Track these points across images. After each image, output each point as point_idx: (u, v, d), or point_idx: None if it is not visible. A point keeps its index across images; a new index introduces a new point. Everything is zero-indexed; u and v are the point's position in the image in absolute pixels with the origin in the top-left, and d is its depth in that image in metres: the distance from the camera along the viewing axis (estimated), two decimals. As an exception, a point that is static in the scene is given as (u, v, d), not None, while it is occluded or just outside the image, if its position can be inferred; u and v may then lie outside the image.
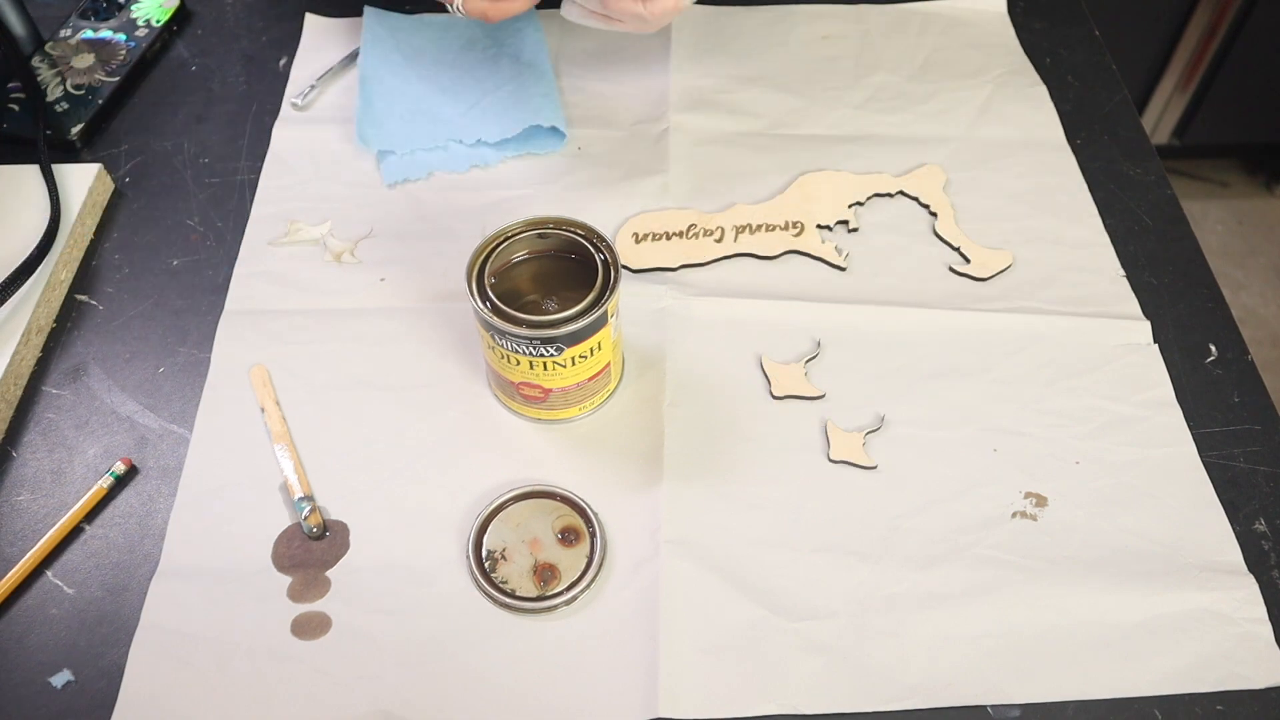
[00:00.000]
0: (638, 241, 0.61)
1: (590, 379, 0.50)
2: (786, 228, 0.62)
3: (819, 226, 0.62)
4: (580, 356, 0.48)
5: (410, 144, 0.65)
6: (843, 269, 0.60)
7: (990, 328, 0.57)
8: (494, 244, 0.50)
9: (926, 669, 0.45)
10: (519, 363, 0.48)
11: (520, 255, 0.51)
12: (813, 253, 0.60)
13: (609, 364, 0.51)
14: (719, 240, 0.61)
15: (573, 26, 0.75)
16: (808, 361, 0.55)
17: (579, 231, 0.50)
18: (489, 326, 0.47)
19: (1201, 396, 0.55)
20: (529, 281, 0.51)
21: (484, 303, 0.47)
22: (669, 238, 0.61)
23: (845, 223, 0.62)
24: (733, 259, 0.61)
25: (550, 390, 0.50)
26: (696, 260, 0.60)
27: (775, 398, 0.54)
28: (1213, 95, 1.54)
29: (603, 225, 0.62)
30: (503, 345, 0.48)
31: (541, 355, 0.47)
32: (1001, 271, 0.59)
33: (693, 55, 0.73)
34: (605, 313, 0.48)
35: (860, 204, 0.63)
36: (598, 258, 0.49)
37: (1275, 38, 1.46)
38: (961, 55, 0.74)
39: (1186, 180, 1.75)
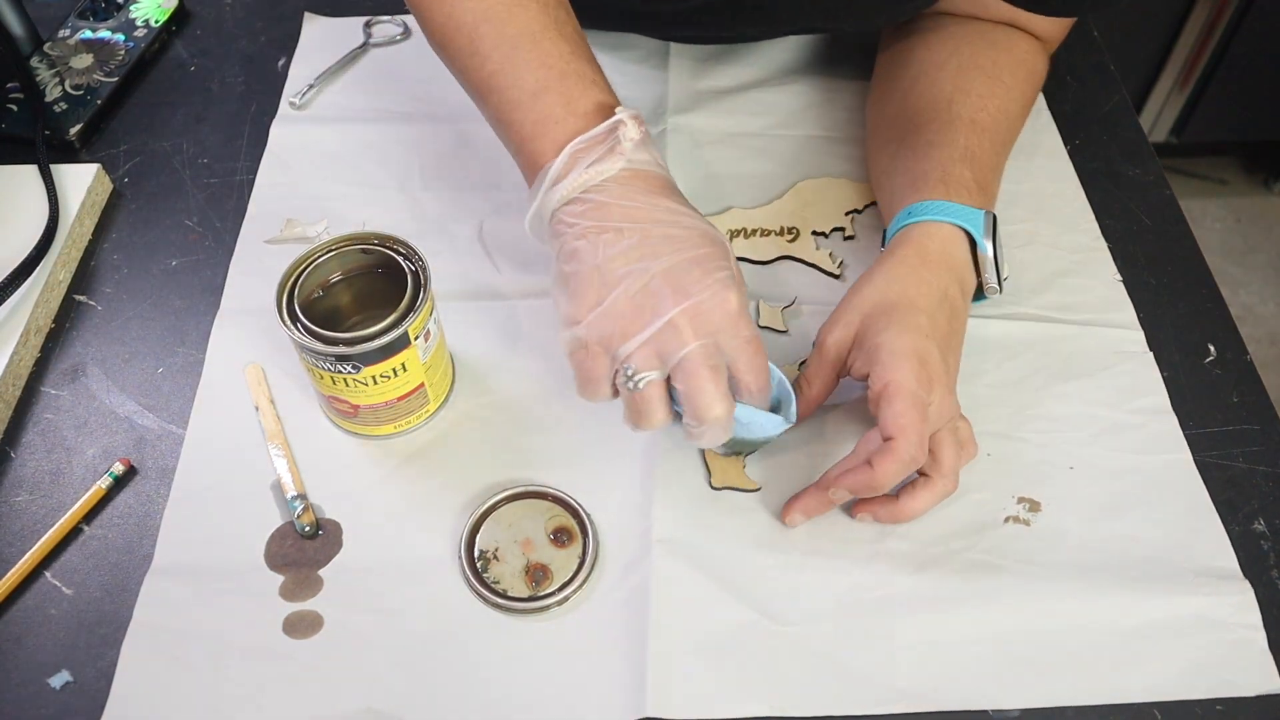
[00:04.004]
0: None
1: (400, 399, 0.49)
2: (781, 233, 0.61)
3: (814, 233, 0.62)
4: (382, 376, 0.47)
5: None
6: (837, 276, 0.60)
7: (985, 333, 0.57)
8: (315, 256, 0.49)
9: (916, 673, 0.45)
10: (322, 377, 0.48)
11: (346, 271, 0.50)
12: (806, 259, 0.60)
13: (422, 385, 0.50)
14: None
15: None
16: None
17: (398, 249, 0.49)
18: (289, 337, 0.46)
19: (1200, 396, 0.55)
20: (352, 297, 0.51)
21: (285, 313, 0.47)
22: None
23: (842, 230, 0.62)
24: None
25: (359, 406, 0.49)
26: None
27: None
28: (1210, 93, 1.54)
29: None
30: (306, 358, 0.47)
31: (340, 372, 0.47)
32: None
33: (691, 56, 0.73)
34: (405, 335, 0.46)
35: (858, 211, 0.63)
36: (408, 278, 0.48)
37: (1272, 35, 1.45)
38: (961, 55, 0.73)
39: (1184, 178, 1.74)
